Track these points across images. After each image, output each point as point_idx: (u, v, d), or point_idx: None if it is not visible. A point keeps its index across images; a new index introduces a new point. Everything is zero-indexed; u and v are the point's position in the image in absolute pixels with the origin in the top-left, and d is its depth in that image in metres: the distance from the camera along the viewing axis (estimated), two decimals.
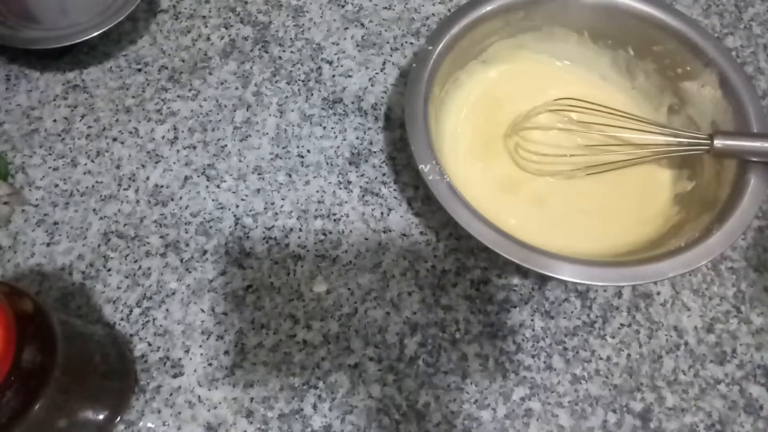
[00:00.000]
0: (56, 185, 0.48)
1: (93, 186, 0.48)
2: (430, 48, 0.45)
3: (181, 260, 0.45)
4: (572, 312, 0.45)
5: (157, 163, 0.49)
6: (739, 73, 0.44)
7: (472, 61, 0.49)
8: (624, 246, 0.44)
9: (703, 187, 0.44)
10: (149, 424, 0.41)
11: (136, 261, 0.45)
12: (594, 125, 0.46)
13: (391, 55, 0.54)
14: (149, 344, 0.43)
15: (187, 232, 0.46)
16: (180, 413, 0.41)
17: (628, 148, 0.46)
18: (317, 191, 0.48)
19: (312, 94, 0.52)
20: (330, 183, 0.48)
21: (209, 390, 0.42)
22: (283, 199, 0.48)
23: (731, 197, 0.41)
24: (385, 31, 0.55)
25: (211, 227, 0.47)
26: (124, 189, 0.48)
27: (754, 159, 0.41)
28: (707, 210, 0.42)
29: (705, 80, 0.45)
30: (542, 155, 0.46)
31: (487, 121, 0.49)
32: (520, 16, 0.48)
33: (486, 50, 0.49)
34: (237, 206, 0.47)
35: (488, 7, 0.47)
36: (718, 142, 0.41)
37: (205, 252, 0.46)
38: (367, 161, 0.49)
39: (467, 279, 0.45)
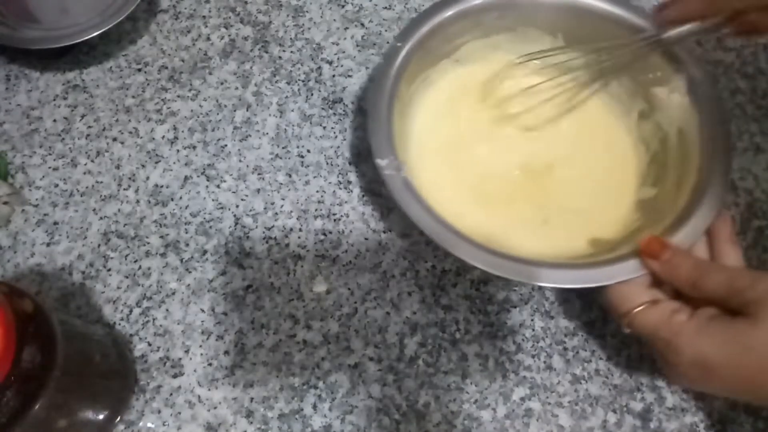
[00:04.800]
0: (56, 185, 0.48)
1: (93, 186, 0.48)
2: (399, 45, 0.45)
3: (181, 260, 0.45)
4: (572, 312, 0.45)
5: (157, 163, 0.49)
6: (707, 79, 0.44)
7: (444, 59, 0.49)
8: (587, 248, 0.43)
9: (664, 195, 0.44)
10: (149, 424, 0.41)
11: (136, 261, 0.45)
12: (560, 66, 0.47)
13: None
14: (149, 344, 0.43)
15: (187, 232, 0.46)
16: (180, 413, 0.41)
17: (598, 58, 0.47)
18: (317, 191, 0.48)
19: (312, 94, 0.52)
20: (330, 183, 0.48)
21: (209, 390, 0.42)
22: (283, 199, 0.48)
23: (687, 207, 0.40)
24: (385, 31, 0.55)
25: (211, 227, 0.47)
26: (124, 189, 0.48)
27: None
28: (664, 218, 0.41)
29: (674, 86, 0.45)
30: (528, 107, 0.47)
31: (459, 121, 0.49)
32: (494, 17, 0.47)
33: (459, 49, 0.49)
34: (237, 206, 0.47)
35: (461, 7, 0.46)
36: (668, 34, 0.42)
37: (205, 252, 0.46)
38: (367, 161, 0.49)
39: (467, 279, 0.45)
